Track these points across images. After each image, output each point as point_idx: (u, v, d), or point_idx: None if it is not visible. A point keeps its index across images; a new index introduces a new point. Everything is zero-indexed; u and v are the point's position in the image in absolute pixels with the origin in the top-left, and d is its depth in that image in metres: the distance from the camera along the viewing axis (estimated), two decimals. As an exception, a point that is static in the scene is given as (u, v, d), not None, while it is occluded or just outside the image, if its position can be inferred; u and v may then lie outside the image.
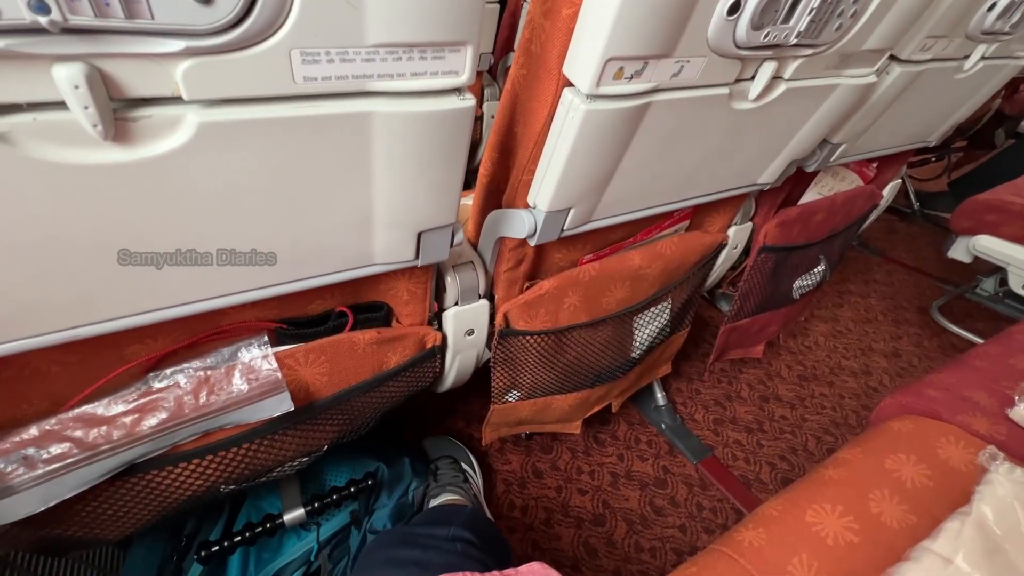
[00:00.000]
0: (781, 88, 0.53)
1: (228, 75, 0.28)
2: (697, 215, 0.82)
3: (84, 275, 0.33)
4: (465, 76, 0.35)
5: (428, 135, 0.37)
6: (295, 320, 0.53)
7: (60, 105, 0.26)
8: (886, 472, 0.61)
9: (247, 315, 0.50)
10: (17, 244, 0.30)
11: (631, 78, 0.41)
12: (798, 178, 0.87)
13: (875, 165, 1.05)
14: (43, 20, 0.22)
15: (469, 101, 0.36)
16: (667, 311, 0.87)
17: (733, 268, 0.99)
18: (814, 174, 0.94)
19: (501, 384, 0.76)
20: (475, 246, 0.64)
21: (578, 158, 0.46)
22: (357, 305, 0.57)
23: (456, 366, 0.69)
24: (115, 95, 0.27)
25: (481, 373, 0.76)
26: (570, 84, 0.42)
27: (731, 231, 0.86)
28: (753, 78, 0.51)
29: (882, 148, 0.88)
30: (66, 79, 0.25)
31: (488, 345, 0.70)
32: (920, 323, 1.62)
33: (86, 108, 0.26)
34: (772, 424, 1.22)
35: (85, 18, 0.23)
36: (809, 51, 0.50)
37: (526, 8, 1.30)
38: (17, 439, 0.41)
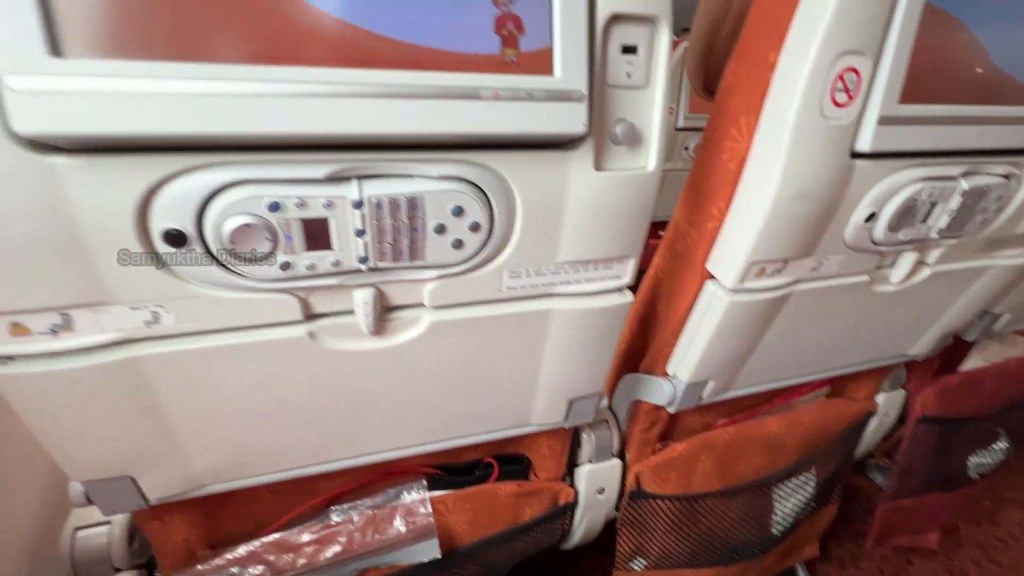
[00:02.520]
0: (926, 273, 0.54)
1: (457, 289, 0.38)
2: (839, 379, 0.78)
3: (326, 430, 0.42)
4: (626, 279, 0.43)
5: (592, 324, 0.44)
6: (448, 467, 0.59)
7: (349, 313, 0.37)
8: None
9: (411, 460, 0.57)
10: (295, 408, 0.40)
11: (772, 275, 0.46)
12: (956, 344, 0.81)
13: (1053, 330, 0.93)
14: (363, 266, 0.34)
15: (628, 297, 0.43)
16: (811, 483, 0.79)
17: (886, 437, 0.89)
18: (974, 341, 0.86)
19: (627, 548, 0.73)
20: (608, 405, 0.68)
21: (720, 339, 0.50)
22: (501, 456, 0.61)
23: (584, 524, 0.68)
24: (383, 304, 0.38)
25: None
26: (713, 277, 0.48)
27: (880, 398, 0.80)
28: (894, 265, 0.53)
29: (1059, 316, 0.80)
30: (360, 298, 0.36)
31: (616, 506, 0.69)
32: None
33: (366, 316, 0.36)
34: (966, 643, 0.97)
35: (385, 263, 0.34)
36: (953, 241, 0.51)
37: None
38: (230, 556, 0.49)
